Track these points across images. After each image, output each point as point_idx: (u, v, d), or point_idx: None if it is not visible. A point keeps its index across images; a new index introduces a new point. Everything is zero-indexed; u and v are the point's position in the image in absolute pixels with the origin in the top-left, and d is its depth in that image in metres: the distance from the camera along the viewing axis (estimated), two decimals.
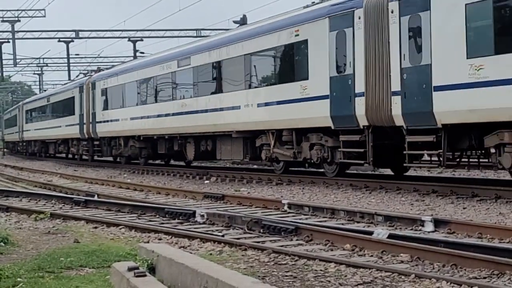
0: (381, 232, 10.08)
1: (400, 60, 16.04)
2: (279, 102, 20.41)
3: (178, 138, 27.45)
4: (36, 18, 50.34)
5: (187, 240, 10.86)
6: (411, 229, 11.33)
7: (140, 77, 30.34)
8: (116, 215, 14.65)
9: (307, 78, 19.23)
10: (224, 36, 24.82)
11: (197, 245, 10.48)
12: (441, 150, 15.36)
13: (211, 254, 9.66)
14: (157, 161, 33.66)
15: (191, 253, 9.28)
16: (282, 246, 10.04)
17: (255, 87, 21.75)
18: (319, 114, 18.77)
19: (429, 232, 11.06)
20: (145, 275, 6.89)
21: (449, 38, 14.78)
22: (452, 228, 10.98)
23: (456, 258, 8.31)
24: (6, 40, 51.33)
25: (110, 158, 37.77)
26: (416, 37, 15.60)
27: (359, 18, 17.25)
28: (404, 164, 16.97)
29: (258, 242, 10.44)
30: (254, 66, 21.74)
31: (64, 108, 42.82)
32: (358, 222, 12.53)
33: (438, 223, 11.28)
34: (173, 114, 26.94)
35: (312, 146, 19.70)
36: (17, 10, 49.73)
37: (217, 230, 11.87)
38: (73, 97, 40.44)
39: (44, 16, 50.18)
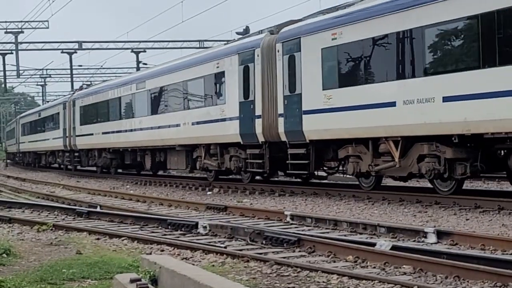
0: (383, 243, 10.07)
1: (283, 89, 20.44)
2: (206, 122, 24.73)
3: (138, 151, 32.08)
4: (40, 29, 50.52)
5: (190, 251, 10.85)
6: (414, 241, 11.31)
7: (109, 97, 35.28)
8: (119, 226, 14.65)
9: (224, 103, 23.55)
10: (170, 65, 28.96)
11: (200, 256, 10.47)
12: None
13: (213, 265, 9.65)
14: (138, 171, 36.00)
15: (193, 264, 9.28)
16: (284, 257, 10.02)
17: (190, 108, 26.15)
18: (232, 132, 23.00)
19: (431, 243, 11.04)
20: (147, 287, 6.89)
21: (312, 73, 19.21)
22: (455, 240, 10.96)
23: (459, 270, 8.30)
24: (10, 52, 51.48)
25: (93, 168, 40.56)
26: (292, 71, 20.02)
27: (258, 55, 21.61)
28: (288, 172, 21.58)
29: (261, 253, 10.43)
30: (190, 91, 26.29)
31: (52, 122, 47.58)
32: (360, 233, 12.51)
33: (441, 234, 11.27)
34: (133, 130, 31.67)
35: (231, 158, 23.75)
36: (21, 21, 49.91)
37: (219, 241, 11.86)
38: (58, 113, 45.14)
39: (48, 28, 50.33)
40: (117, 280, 7.49)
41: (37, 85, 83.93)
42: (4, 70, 53.69)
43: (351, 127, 17.90)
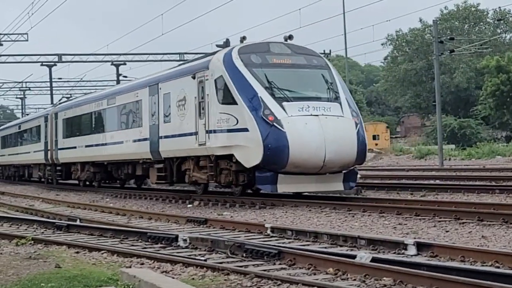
0: (364, 255, 10.07)
1: (51, 138, 39.99)
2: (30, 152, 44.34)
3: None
4: (19, 42, 50.37)
5: (170, 264, 10.80)
6: (394, 253, 11.33)
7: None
8: (99, 239, 14.57)
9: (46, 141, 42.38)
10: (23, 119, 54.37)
11: (180, 269, 10.42)
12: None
13: (193, 278, 9.61)
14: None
15: (173, 277, 9.24)
16: (264, 270, 10.00)
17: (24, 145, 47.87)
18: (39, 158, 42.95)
19: (411, 255, 11.07)
20: None
21: (60, 131, 38.73)
22: (435, 252, 10.99)
23: (438, 282, 8.32)
24: None
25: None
26: (54, 129, 39.90)
27: (48, 119, 40.87)
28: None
29: (241, 266, 10.41)
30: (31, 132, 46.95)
31: None
32: (341, 245, 12.52)
33: (421, 246, 11.29)
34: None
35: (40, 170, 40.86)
36: (0, 34, 49.72)
37: (199, 254, 11.82)
38: None
39: (27, 40, 50.27)
40: None
41: (16, 97, 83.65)
42: None
43: (66, 157, 37.33)
